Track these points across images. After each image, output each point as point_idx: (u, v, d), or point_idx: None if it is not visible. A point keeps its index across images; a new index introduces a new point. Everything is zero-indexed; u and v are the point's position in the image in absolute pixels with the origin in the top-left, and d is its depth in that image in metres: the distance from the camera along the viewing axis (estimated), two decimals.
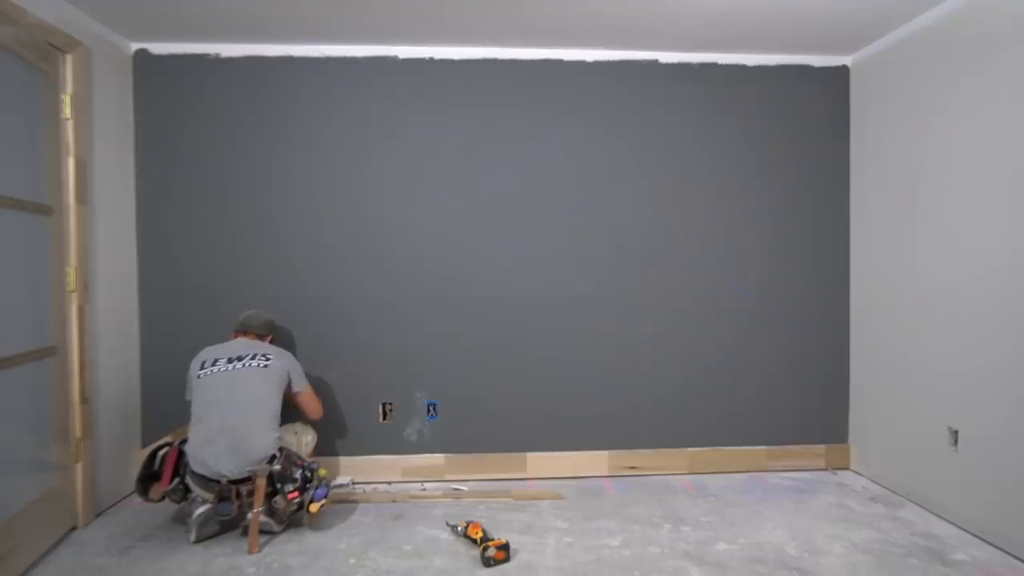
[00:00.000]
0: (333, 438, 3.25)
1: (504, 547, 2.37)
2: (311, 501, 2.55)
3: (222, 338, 3.19)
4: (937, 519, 2.75)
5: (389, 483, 3.24)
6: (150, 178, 3.19)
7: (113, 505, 2.92)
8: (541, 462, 3.31)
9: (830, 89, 3.39)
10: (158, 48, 3.17)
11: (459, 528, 2.57)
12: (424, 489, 3.16)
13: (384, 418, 3.28)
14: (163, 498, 2.62)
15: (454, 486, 3.19)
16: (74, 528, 2.66)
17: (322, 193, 3.23)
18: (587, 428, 3.33)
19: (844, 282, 3.42)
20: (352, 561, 2.39)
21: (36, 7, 2.40)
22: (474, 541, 2.45)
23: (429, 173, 3.26)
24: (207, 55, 3.18)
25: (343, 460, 3.25)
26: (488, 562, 2.33)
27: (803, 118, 3.38)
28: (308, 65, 3.21)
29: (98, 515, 2.81)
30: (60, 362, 2.58)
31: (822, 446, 3.42)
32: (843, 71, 3.40)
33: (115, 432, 2.97)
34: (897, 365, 3.05)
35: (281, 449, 2.61)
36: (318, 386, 3.22)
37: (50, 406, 2.53)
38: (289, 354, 2.86)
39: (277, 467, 2.54)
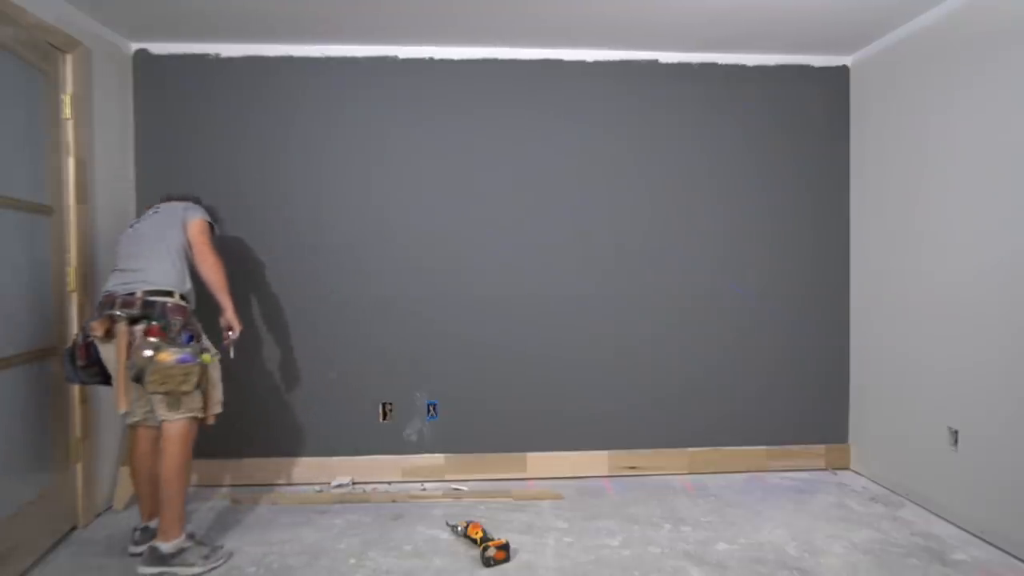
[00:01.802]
0: (333, 438, 3.25)
1: (504, 547, 2.37)
2: (164, 351, 2.21)
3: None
4: (937, 519, 2.75)
5: (389, 483, 3.24)
6: (150, 178, 3.18)
7: (113, 505, 2.92)
8: (541, 462, 3.31)
9: (830, 89, 3.39)
10: (158, 48, 3.17)
11: (459, 528, 2.57)
12: (424, 489, 3.16)
13: (384, 418, 3.28)
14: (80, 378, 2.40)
15: (454, 486, 3.19)
16: (74, 528, 2.66)
17: (322, 193, 3.23)
18: (587, 428, 3.33)
19: (844, 282, 3.42)
20: (352, 561, 2.39)
21: (36, 7, 2.40)
22: (474, 541, 2.45)
23: (429, 173, 3.26)
24: (207, 55, 3.18)
25: (343, 460, 3.25)
26: (488, 562, 2.33)
27: (803, 118, 3.38)
28: (308, 65, 3.21)
29: (98, 515, 2.81)
30: (60, 362, 2.57)
31: (822, 446, 3.42)
32: (843, 71, 3.40)
33: (115, 432, 2.97)
34: (897, 365, 3.05)
35: (184, 305, 2.37)
36: (318, 384, 3.23)
37: (50, 406, 2.53)
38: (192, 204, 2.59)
39: (168, 301, 2.30)
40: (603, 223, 3.32)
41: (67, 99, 2.62)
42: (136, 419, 2.43)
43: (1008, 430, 2.42)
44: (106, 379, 2.41)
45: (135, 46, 3.17)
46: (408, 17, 2.86)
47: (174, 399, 2.28)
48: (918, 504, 2.90)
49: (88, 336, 2.34)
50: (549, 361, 3.32)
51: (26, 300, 2.40)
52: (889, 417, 3.12)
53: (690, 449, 3.36)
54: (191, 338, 2.33)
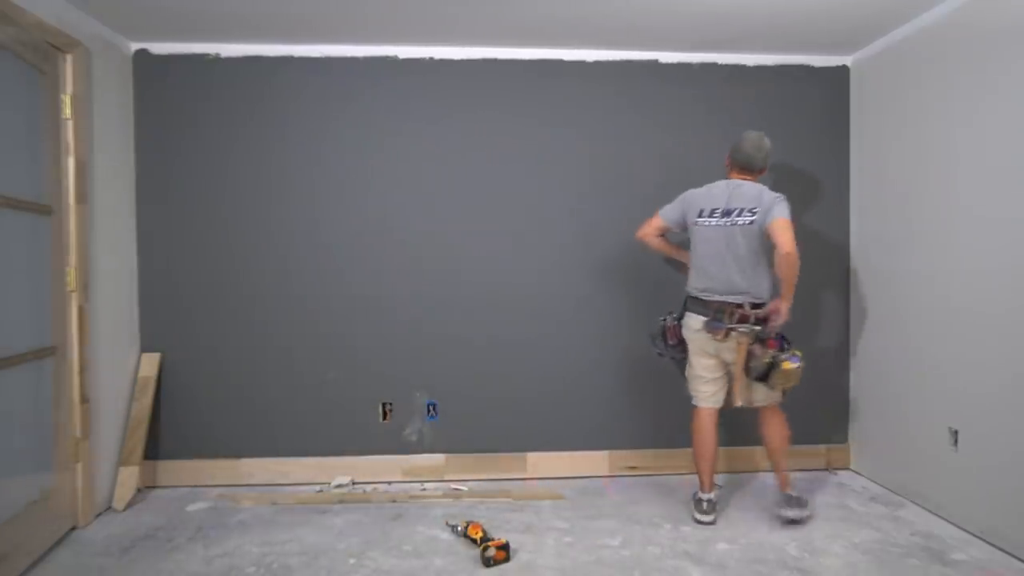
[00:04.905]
0: (333, 438, 3.25)
1: (504, 547, 2.37)
2: (784, 360, 2.60)
3: (220, 336, 3.23)
4: (937, 519, 2.75)
5: (389, 483, 3.24)
6: (150, 178, 3.18)
7: (113, 505, 2.92)
8: (541, 462, 3.30)
9: (830, 89, 3.39)
10: (158, 48, 3.17)
11: (459, 528, 2.57)
12: (424, 489, 3.16)
13: (384, 418, 3.28)
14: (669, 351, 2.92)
15: (454, 486, 3.19)
16: (74, 528, 2.66)
17: (322, 193, 3.23)
18: (587, 428, 3.33)
19: (844, 282, 3.42)
20: (352, 561, 2.39)
21: (36, 7, 2.40)
22: (474, 541, 2.45)
23: (429, 173, 3.26)
24: (207, 55, 3.18)
25: (343, 460, 3.24)
26: (488, 562, 2.33)
27: (803, 118, 3.38)
28: (308, 65, 3.21)
29: (98, 515, 2.81)
30: (60, 362, 2.58)
31: (822, 446, 3.42)
32: (843, 71, 3.40)
33: (115, 432, 2.97)
34: (897, 365, 3.05)
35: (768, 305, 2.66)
36: (318, 384, 3.23)
37: (50, 406, 2.53)
38: (775, 195, 2.65)
39: (763, 312, 2.64)
40: (604, 222, 3.31)
41: (67, 99, 2.62)
42: (709, 404, 2.81)
43: (1008, 430, 2.42)
44: (684, 358, 2.86)
45: (135, 46, 3.17)
46: (408, 17, 2.86)
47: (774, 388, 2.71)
48: (918, 504, 2.89)
49: (678, 319, 2.84)
50: (549, 361, 3.31)
51: (26, 300, 2.40)
52: (889, 417, 3.12)
53: (690, 449, 3.35)
54: (784, 340, 2.72)
